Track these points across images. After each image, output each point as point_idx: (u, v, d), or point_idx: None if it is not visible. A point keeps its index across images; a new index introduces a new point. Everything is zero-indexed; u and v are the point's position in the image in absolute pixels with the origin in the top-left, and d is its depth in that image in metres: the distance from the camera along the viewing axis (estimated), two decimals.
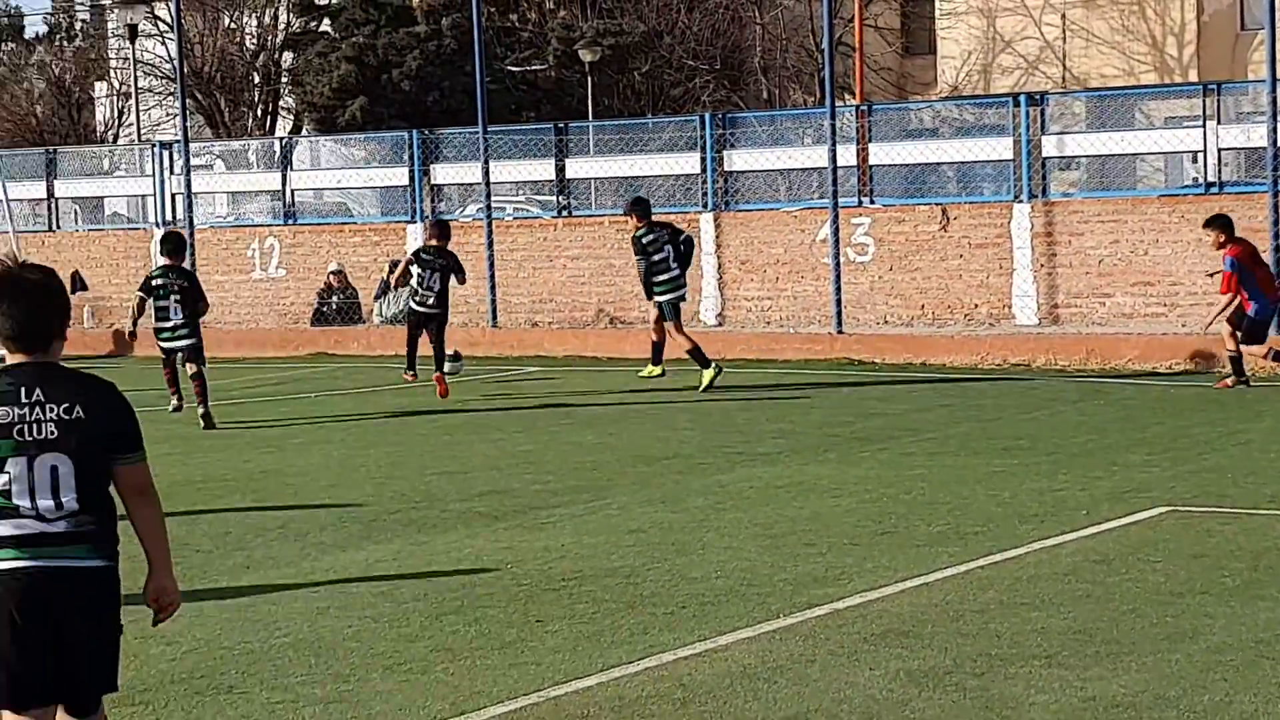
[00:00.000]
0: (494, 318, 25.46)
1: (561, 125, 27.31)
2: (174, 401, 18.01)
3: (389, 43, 48.32)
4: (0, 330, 5.68)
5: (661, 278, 19.36)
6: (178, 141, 29.08)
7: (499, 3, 48.67)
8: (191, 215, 28.04)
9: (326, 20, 52.13)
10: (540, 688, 7.64)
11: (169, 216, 29.04)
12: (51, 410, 5.59)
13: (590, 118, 41.71)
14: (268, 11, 53.83)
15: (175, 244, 18.33)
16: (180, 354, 17.84)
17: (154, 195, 29.79)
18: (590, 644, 8.33)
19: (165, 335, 17.86)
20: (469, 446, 15.41)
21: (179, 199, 28.66)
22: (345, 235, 27.95)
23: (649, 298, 19.79)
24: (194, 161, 28.77)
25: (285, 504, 12.60)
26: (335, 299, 26.79)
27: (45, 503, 5.56)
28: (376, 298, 26.38)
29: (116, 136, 58.32)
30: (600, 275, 25.25)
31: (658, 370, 20.07)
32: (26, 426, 5.57)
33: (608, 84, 48.61)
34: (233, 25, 54.16)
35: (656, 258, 19.35)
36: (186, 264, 19.74)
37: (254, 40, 54.25)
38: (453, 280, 19.06)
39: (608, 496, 12.50)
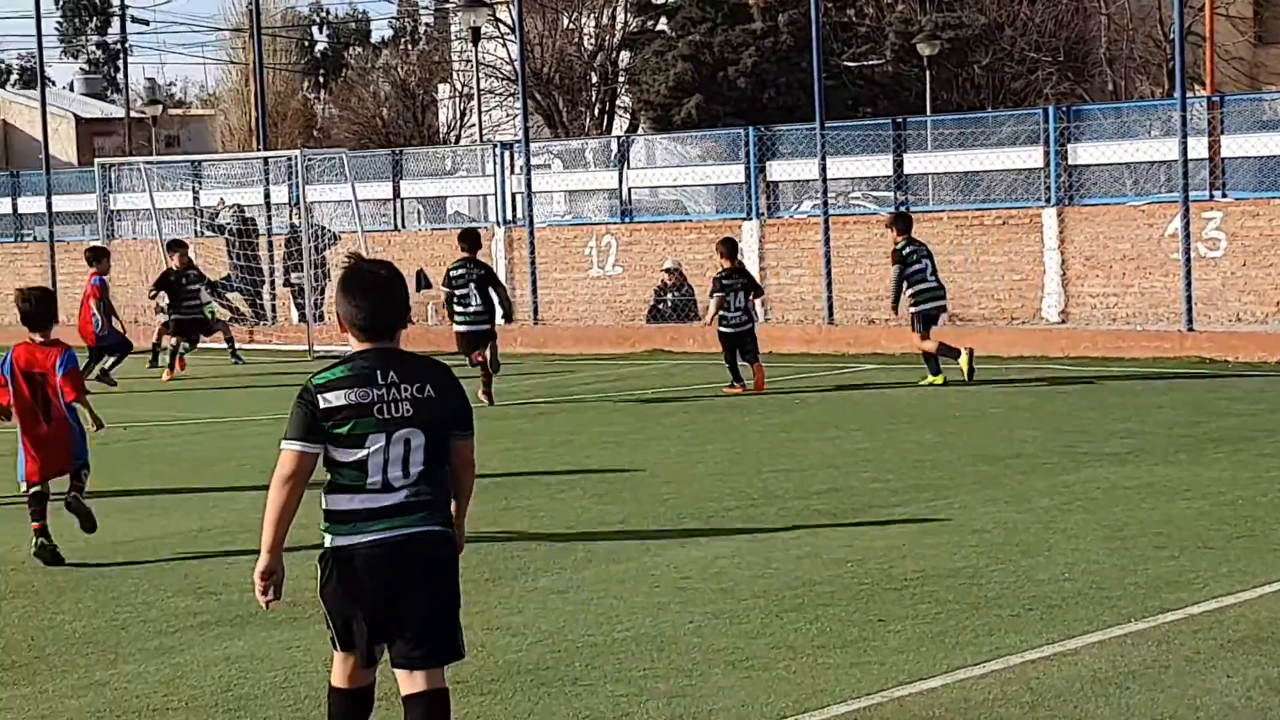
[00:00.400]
0: (830, 315, 25.31)
1: (899, 120, 27.04)
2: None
3: (725, 40, 48.50)
4: (352, 320, 6.17)
5: (919, 288, 19.63)
6: (518, 141, 29.57)
7: None
8: (531, 214, 28.48)
9: (663, 19, 52.55)
10: (884, 687, 7.51)
11: (509, 216, 29.54)
12: (405, 390, 6.10)
13: (928, 112, 41.25)
14: (605, 12, 54.49)
15: (472, 240, 19.58)
16: (476, 339, 19.12)
17: (495, 195, 30.33)
18: (934, 644, 8.17)
19: (463, 320, 19.15)
20: (806, 444, 15.31)
21: (519, 198, 29.14)
22: (681, 233, 28.09)
23: (894, 308, 20.05)
24: (533, 161, 29.21)
25: (625, 499, 12.67)
26: (670, 296, 26.94)
27: (395, 474, 6.06)
28: (712, 295, 26.40)
29: (459, 137, 59.69)
30: (939, 272, 24.80)
31: (939, 379, 19.49)
32: (385, 405, 6.07)
33: (946, 78, 48.04)
34: (571, 26, 54.95)
35: (914, 269, 19.62)
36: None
37: (592, 40, 54.98)
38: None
39: (949, 496, 12.27)
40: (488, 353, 19.17)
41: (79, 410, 11.24)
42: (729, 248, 20.08)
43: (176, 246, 25.50)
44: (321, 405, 6.05)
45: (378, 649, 6.15)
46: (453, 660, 6.20)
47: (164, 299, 24.66)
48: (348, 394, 6.05)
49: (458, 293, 19.17)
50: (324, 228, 29.73)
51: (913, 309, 19.72)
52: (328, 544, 6.10)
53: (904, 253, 19.71)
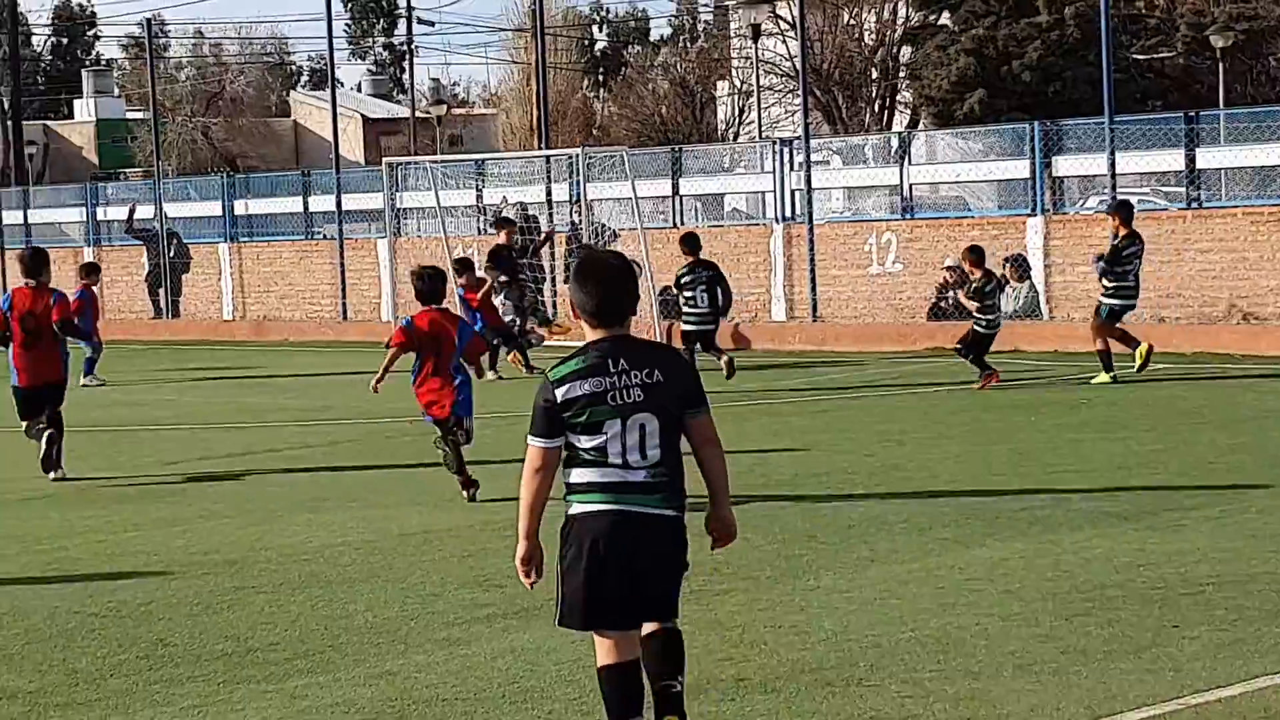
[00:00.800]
0: None
1: (1191, 114, 26.35)
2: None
3: (1009, 34, 47.78)
4: (584, 307, 6.51)
5: (1119, 284, 19.79)
6: (797, 138, 29.48)
7: None
8: (811, 210, 28.37)
9: (946, 13, 51.95)
10: (1179, 694, 7.29)
11: (787, 213, 29.47)
12: (635, 376, 6.42)
13: (1221, 105, 40.15)
14: (887, 6, 54.08)
15: (694, 243, 21.39)
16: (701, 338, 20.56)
17: (773, 191, 30.28)
18: (1231, 651, 7.91)
19: (691, 320, 20.60)
20: (1094, 445, 14.98)
21: (798, 195, 29.05)
22: (963, 229, 27.72)
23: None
24: (813, 157, 29.09)
25: (907, 498, 12.52)
26: (952, 294, 26.60)
27: (633, 456, 6.40)
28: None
29: (737, 134, 59.76)
30: (1233, 269, 24.20)
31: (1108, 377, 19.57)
32: (618, 392, 6.39)
33: (1241, 70, 46.71)
34: (852, 21, 54.64)
35: (1124, 268, 19.79)
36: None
37: (873, 35, 54.61)
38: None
39: (1245, 500, 11.89)
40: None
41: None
42: (977, 256, 20.20)
43: (504, 224, 25.94)
44: (560, 399, 6.40)
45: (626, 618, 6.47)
46: (672, 618, 6.55)
47: (500, 277, 24.77)
48: (582, 384, 6.38)
49: (685, 294, 20.72)
50: (604, 225, 29.97)
51: (1108, 302, 19.87)
52: (571, 513, 6.48)
53: (1123, 252, 19.82)
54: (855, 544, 10.86)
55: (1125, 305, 20.04)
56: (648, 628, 6.52)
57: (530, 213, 31.87)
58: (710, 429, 6.59)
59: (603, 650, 6.51)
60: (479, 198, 34.18)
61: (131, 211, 37.34)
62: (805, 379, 22.05)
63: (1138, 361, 19.69)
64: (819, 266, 28.12)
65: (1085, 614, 8.75)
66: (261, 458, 16.35)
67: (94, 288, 25.61)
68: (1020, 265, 25.24)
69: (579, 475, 6.45)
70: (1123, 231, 19.93)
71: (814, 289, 28.04)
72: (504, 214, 32.10)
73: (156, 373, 26.88)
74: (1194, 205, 25.50)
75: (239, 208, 37.69)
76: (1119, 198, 22.68)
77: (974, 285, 20.05)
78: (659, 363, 6.49)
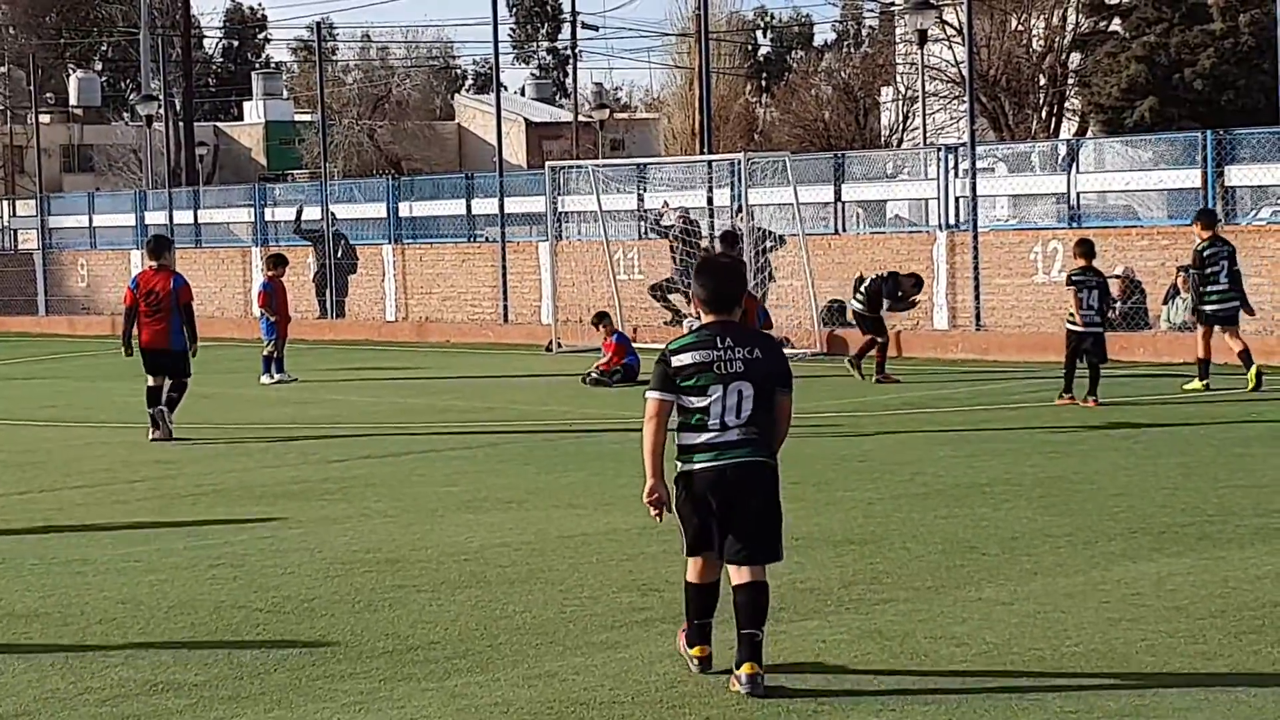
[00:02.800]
0: None
1: None
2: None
3: (1182, 41, 47.05)
4: (700, 296, 8.01)
5: (1213, 288, 20.29)
6: (963, 145, 29.21)
7: None
8: (975, 218, 28.11)
9: (1116, 19, 51.28)
10: None
11: (951, 220, 29.22)
12: (738, 351, 7.83)
13: None
14: (1056, 13, 53.46)
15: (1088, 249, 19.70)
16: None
17: (937, 198, 30.03)
18: None
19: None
20: (1265, 460, 14.68)
21: (963, 202, 28.79)
22: (1131, 238, 27.33)
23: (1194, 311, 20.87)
24: (978, 164, 28.82)
25: (1071, 510, 12.35)
26: (1120, 303, 26.22)
27: (730, 418, 7.78)
28: (1165, 302, 25.67)
29: (900, 140, 59.41)
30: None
31: (1201, 385, 20.20)
32: (722, 363, 7.80)
33: None
34: (1020, 27, 54.09)
35: (1210, 270, 20.24)
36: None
37: (1041, 41, 54.00)
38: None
39: None
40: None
41: None
42: (1085, 249, 19.78)
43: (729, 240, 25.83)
44: (674, 364, 7.84)
45: (719, 548, 7.84)
46: (772, 561, 7.87)
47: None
48: (694, 354, 7.82)
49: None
50: (768, 230, 29.89)
51: (1207, 308, 20.37)
52: (680, 469, 7.88)
53: (1204, 254, 20.21)
54: (1018, 556, 10.72)
55: (1226, 311, 20.42)
56: (740, 576, 7.77)
57: (692, 217, 31.86)
58: (789, 406, 8.00)
59: (693, 570, 7.99)
60: (640, 202, 34.25)
61: (299, 212, 37.86)
62: (967, 387, 21.83)
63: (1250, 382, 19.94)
64: (982, 274, 27.85)
65: (1255, 632, 8.57)
66: (424, 458, 16.48)
67: (280, 279, 25.83)
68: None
69: (686, 438, 7.84)
70: (1206, 238, 20.33)
71: (977, 297, 27.77)
72: (663, 221, 32.07)
73: (324, 371, 27.22)
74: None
75: (403, 210, 38.09)
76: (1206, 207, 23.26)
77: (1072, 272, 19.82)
78: (760, 344, 7.94)
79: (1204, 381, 20.27)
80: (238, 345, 34.06)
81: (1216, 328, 20.40)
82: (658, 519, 8.01)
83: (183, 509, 13.66)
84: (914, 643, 8.55)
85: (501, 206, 34.93)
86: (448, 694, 7.90)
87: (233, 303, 40.50)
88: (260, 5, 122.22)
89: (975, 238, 27.92)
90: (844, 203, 31.97)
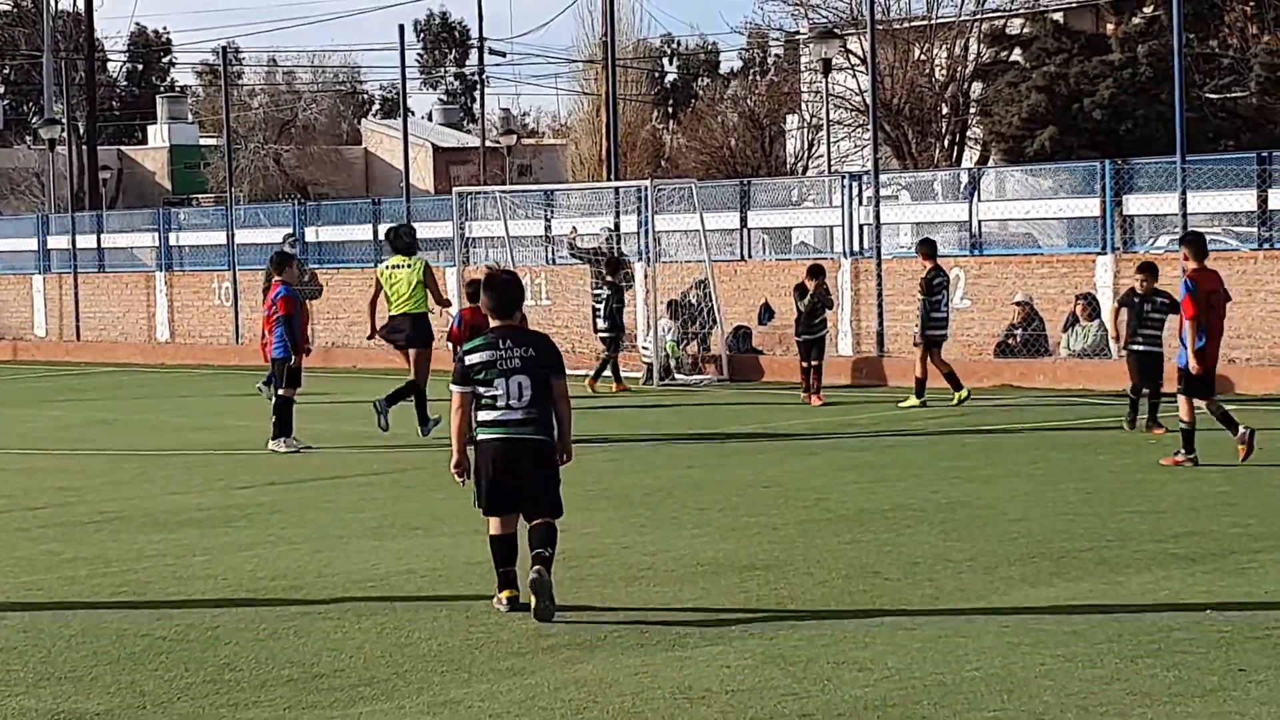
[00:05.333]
0: None
1: (1264, 154, 26.16)
2: None
3: (1081, 71, 47.58)
4: (488, 306, 10.17)
5: (935, 315, 22.49)
6: (866, 172, 29.43)
7: (1198, 29, 47.18)
8: (879, 245, 28.33)
9: (1017, 50, 51.81)
10: None
11: (855, 247, 29.43)
12: (516, 351, 9.98)
13: None
14: (958, 43, 53.97)
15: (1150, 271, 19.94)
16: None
17: (841, 226, 30.24)
18: None
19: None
20: (1162, 486, 14.90)
21: (866, 229, 29.01)
22: (1032, 266, 27.63)
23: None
24: (881, 192, 29.05)
25: (973, 535, 12.48)
26: (1020, 331, 26.51)
27: (514, 401, 9.91)
28: (1064, 329, 25.97)
29: (806, 168, 59.70)
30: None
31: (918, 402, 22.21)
32: (504, 360, 9.94)
33: None
34: (923, 57, 54.55)
35: (935, 297, 22.45)
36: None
37: (943, 71, 54.48)
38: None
39: None
40: None
41: None
42: (1148, 272, 19.96)
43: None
44: (468, 361, 10.00)
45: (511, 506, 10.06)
46: (556, 516, 9.98)
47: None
48: (482, 354, 9.97)
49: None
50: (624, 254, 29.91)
51: (933, 333, 22.52)
52: (477, 439, 10.01)
53: (933, 282, 22.40)
54: (920, 581, 10.84)
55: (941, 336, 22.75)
56: (534, 523, 9.94)
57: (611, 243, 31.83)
58: (563, 388, 10.12)
59: (494, 526, 10.12)
60: (547, 228, 34.26)
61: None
62: (871, 414, 22.00)
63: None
64: (886, 301, 28.06)
65: (1151, 656, 8.71)
66: (331, 484, 16.44)
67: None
68: (1090, 304, 25.15)
69: (482, 415, 9.96)
70: (930, 267, 22.48)
71: (881, 323, 27.98)
72: (578, 245, 32.02)
73: (229, 398, 27.01)
74: (1265, 246, 25.33)
75: (310, 234, 37.91)
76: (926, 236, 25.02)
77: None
78: (534, 342, 10.09)
79: (921, 399, 22.36)
80: (140, 371, 33.77)
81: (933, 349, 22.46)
82: (461, 484, 10.27)
83: (85, 536, 13.57)
84: (817, 668, 8.63)
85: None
86: None
87: (136, 328, 40.14)
88: (165, 29, 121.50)
89: (879, 264, 28.14)
90: (750, 229, 32.13)
